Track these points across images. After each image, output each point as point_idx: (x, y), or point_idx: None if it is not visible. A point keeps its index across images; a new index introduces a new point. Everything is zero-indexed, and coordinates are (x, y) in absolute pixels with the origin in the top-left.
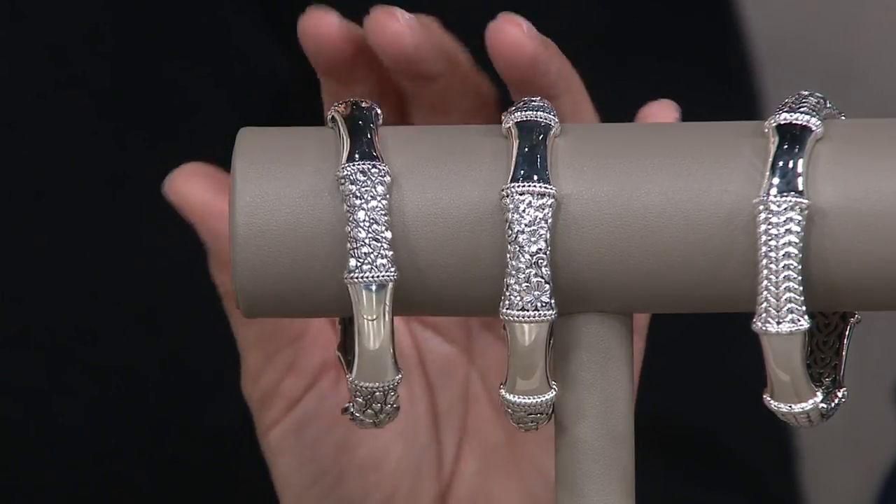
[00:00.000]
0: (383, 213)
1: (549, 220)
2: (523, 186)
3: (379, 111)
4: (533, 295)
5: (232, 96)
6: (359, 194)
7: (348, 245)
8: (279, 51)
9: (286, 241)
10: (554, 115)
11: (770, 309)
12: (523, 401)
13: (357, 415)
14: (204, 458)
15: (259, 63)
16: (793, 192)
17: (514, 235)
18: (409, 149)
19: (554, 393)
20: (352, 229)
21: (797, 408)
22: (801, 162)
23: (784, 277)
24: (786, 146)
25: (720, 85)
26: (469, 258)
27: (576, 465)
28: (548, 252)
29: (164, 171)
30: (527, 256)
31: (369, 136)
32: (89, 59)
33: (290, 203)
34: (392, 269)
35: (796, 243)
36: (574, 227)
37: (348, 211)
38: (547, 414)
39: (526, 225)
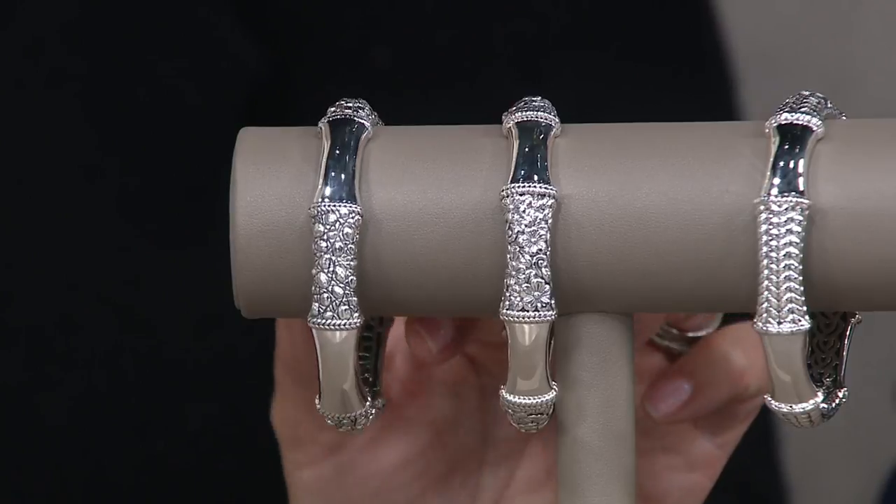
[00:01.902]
0: (349, 257)
1: (550, 221)
2: (523, 187)
3: (366, 121)
4: (533, 295)
5: (207, 89)
6: (326, 237)
7: (312, 288)
8: (254, 44)
9: (286, 241)
10: (555, 116)
11: (771, 309)
12: (523, 401)
13: (332, 424)
14: (185, 452)
15: (234, 56)
16: (793, 193)
17: (514, 236)
18: (411, 149)
19: (554, 393)
20: (316, 273)
21: (798, 408)
22: (801, 162)
23: (785, 278)
24: (786, 146)
25: (692, 79)
26: (470, 259)
27: (577, 465)
28: (548, 252)
29: (142, 162)
30: (527, 257)
31: (348, 163)
32: (67, 53)
33: (290, 203)
34: (356, 316)
35: (797, 243)
36: (574, 227)
37: (314, 252)
38: (547, 414)
39: (526, 225)
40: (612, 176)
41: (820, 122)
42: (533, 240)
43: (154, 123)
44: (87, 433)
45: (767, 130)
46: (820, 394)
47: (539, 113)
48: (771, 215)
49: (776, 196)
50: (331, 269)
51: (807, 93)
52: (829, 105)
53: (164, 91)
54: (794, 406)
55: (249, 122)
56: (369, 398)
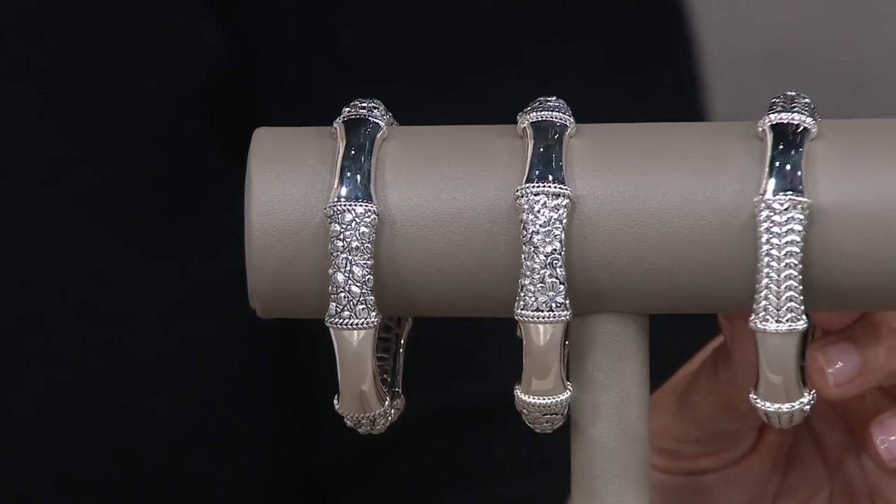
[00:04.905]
0: (366, 256)
1: (564, 221)
2: (538, 187)
3: (381, 121)
4: (548, 295)
5: (169, 77)
6: (342, 237)
7: (329, 287)
8: (219, 33)
9: (301, 241)
10: (569, 116)
11: (770, 307)
12: (538, 401)
13: (351, 424)
14: (153, 445)
15: (199, 45)
16: (793, 192)
17: (528, 236)
18: (426, 149)
19: (569, 393)
20: (333, 273)
21: (785, 408)
22: (800, 161)
23: (786, 276)
24: (783, 146)
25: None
26: (485, 258)
27: (591, 466)
28: (562, 252)
29: (104, 155)
30: (541, 257)
31: (363, 163)
32: (27, 45)
33: (305, 203)
34: (373, 315)
35: (798, 242)
36: (589, 227)
37: (331, 252)
38: (562, 414)
39: (541, 225)
40: (627, 176)
41: (813, 121)
42: (548, 240)
43: (115, 113)
44: (54, 428)
45: (761, 129)
46: (807, 394)
47: (554, 113)
48: (772, 213)
49: (776, 195)
50: (347, 268)
51: (793, 93)
52: (813, 107)
53: (125, 80)
54: (781, 406)
55: (213, 109)
56: (388, 398)
